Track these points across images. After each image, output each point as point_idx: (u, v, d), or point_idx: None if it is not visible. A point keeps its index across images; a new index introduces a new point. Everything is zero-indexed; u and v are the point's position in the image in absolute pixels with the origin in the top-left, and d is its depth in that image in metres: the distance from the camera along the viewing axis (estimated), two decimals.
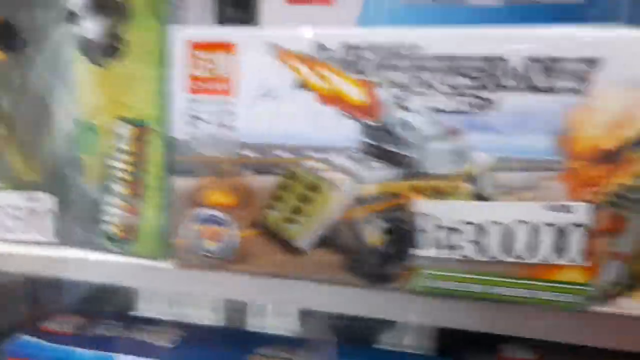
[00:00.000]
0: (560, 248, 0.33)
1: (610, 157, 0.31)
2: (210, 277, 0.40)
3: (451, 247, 0.34)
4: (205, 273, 0.40)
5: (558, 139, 0.32)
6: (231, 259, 0.38)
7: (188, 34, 0.37)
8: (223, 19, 0.46)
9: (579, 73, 0.31)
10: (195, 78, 0.37)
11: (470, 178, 0.33)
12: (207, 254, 0.39)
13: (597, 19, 0.38)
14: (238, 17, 0.46)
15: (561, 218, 0.32)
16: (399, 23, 0.40)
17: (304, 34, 0.35)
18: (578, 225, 0.32)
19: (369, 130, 0.35)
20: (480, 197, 0.33)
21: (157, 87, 0.38)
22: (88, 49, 0.40)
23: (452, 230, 0.34)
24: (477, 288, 0.34)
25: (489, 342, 0.42)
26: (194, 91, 0.37)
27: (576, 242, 0.32)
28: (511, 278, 0.33)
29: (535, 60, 0.31)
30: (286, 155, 0.36)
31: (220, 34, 0.36)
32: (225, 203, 0.38)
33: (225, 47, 0.36)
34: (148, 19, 0.38)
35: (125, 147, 0.40)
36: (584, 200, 0.32)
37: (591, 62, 0.31)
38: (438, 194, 0.34)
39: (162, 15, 0.38)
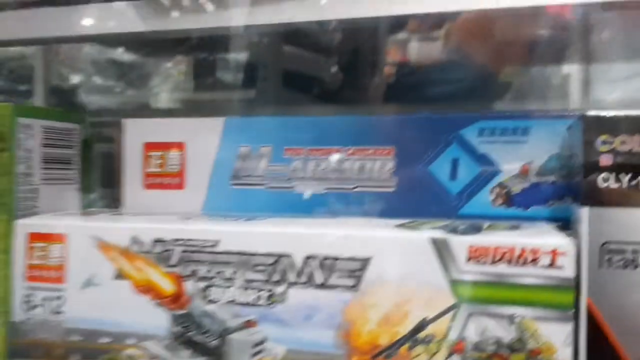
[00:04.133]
0: None
1: (386, 353, 0.33)
2: None
3: None
4: None
5: (339, 334, 0.33)
6: None
7: (26, 225, 0.40)
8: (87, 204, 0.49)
9: (352, 271, 0.33)
10: (31, 266, 0.40)
11: None
12: None
13: (405, 206, 0.41)
14: (104, 198, 0.50)
15: None
16: (235, 207, 0.44)
17: (122, 227, 0.38)
18: None
19: (177, 319, 0.36)
20: None
21: (4, 272, 0.41)
22: None
23: None
24: None
25: None
26: (30, 278, 0.40)
27: None
28: None
29: (313, 258, 0.34)
30: (108, 341, 0.38)
31: (53, 225, 0.39)
32: None
33: (57, 237, 0.39)
34: None
35: None
36: None
37: (362, 260, 0.33)
38: None
39: (9, 207, 0.41)
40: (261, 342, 0.35)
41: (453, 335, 0.32)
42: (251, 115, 0.46)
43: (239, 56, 0.94)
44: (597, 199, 0.30)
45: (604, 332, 0.29)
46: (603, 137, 0.30)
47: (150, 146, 0.47)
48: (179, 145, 0.46)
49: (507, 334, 0.31)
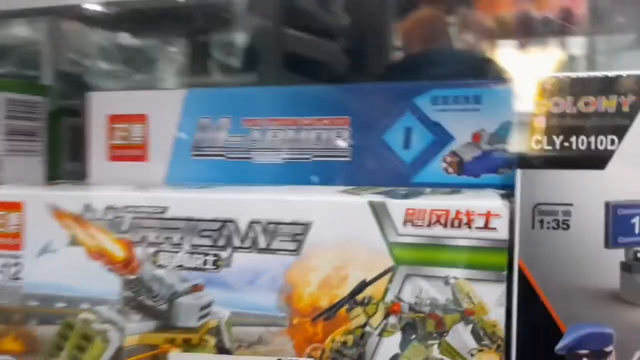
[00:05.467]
0: None
1: (326, 314, 0.33)
2: None
3: None
4: None
5: (281, 297, 0.34)
6: None
7: None
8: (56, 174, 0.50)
9: (294, 235, 0.33)
10: None
11: (213, 332, 0.35)
12: None
13: (361, 174, 0.41)
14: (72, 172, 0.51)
15: None
16: (196, 177, 0.44)
17: (75, 195, 0.38)
18: None
19: (129, 284, 0.37)
20: (223, 350, 0.35)
21: None
22: None
23: None
24: None
25: None
26: None
27: None
28: None
29: (257, 223, 0.34)
30: (63, 306, 0.39)
31: (10, 194, 0.40)
32: (14, 350, 0.40)
33: (14, 206, 0.40)
34: None
35: None
36: (308, 356, 0.33)
37: (303, 224, 0.33)
38: (189, 346, 0.36)
39: None
40: (208, 305, 0.35)
41: (390, 297, 0.32)
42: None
43: (239, 38, 0.94)
44: (531, 161, 0.30)
45: (535, 292, 0.30)
46: (536, 99, 0.30)
47: (114, 118, 0.47)
48: (142, 117, 0.46)
49: (442, 295, 0.31)
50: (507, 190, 0.36)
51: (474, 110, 0.39)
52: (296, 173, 0.42)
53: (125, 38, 1.00)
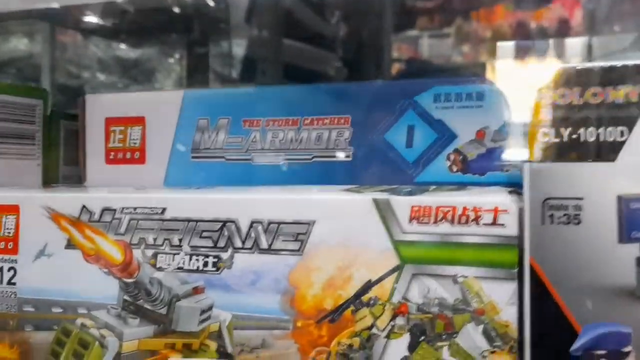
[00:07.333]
0: None
1: (331, 317, 0.32)
2: None
3: None
4: None
5: (284, 299, 0.33)
6: None
7: None
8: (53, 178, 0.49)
9: (296, 234, 0.33)
10: None
11: (214, 336, 0.34)
12: None
13: (362, 174, 0.40)
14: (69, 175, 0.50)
15: None
16: (196, 179, 0.43)
17: (71, 197, 0.38)
18: None
19: (126, 287, 0.36)
20: (224, 355, 0.34)
21: None
22: None
23: None
24: None
25: None
26: None
27: None
28: None
29: (258, 222, 0.33)
30: (60, 311, 0.38)
31: (6, 196, 0.39)
32: (9, 357, 0.39)
33: (10, 209, 0.39)
34: None
35: None
36: (313, 359, 0.32)
37: (306, 224, 0.32)
38: (189, 351, 0.35)
39: None
40: (209, 309, 0.34)
41: (397, 297, 0.31)
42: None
43: (238, 50, 0.94)
44: (539, 154, 0.29)
45: (548, 290, 0.29)
46: (542, 91, 0.29)
47: (111, 121, 0.46)
48: (140, 120, 0.46)
49: (450, 294, 0.30)
50: (514, 188, 0.36)
51: (477, 107, 0.38)
52: (297, 174, 0.42)
53: (123, 49, 0.99)
